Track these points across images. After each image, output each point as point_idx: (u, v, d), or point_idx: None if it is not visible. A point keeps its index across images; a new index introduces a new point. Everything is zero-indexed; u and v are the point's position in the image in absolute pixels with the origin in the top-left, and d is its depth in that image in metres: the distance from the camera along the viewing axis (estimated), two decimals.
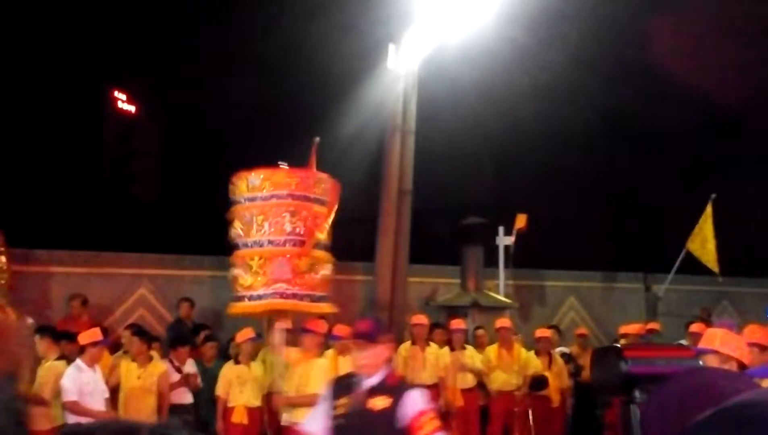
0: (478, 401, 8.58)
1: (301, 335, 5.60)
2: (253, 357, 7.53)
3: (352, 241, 11.53)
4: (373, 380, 3.53)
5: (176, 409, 7.22)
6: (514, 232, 11.38)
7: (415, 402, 3.42)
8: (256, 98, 14.72)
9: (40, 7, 14.05)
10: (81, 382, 6.34)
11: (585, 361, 9.20)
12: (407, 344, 8.46)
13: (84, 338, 6.53)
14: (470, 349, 8.66)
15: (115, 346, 7.77)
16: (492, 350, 8.66)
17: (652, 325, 9.71)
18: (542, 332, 9.17)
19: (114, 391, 6.95)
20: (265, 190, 5.12)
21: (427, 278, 12.32)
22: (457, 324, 8.79)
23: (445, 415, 8.41)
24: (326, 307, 5.11)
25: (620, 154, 15.29)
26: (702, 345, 3.43)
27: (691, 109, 13.35)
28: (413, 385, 3.67)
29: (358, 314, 11.47)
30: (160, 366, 7.27)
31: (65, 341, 6.99)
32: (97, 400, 6.40)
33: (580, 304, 13.42)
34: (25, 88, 14.40)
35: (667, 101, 13.27)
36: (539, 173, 14.95)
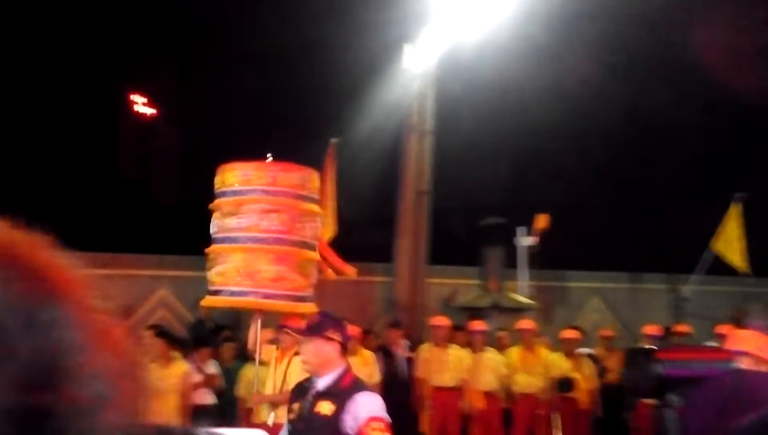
0: (500, 404, 8.46)
1: (281, 333, 5.49)
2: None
3: (370, 242, 11.49)
4: (324, 382, 3.29)
5: (198, 409, 7.20)
6: (536, 232, 11.26)
7: (364, 407, 3.12)
8: (272, 99, 14.72)
9: (57, 10, 14.15)
10: None
11: (610, 362, 9.05)
12: (428, 346, 8.37)
13: None
14: (492, 351, 8.56)
15: None
16: (514, 352, 8.54)
17: (681, 327, 9.48)
18: (568, 333, 9.04)
19: None
20: (246, 184, 5.00)
21: (446, 279, 12.24)
22: (477, 325, 8.69)
23: (467, 418, 8.34)
24: (308, 307, 4.95)
25: (644, 153, 15.07)
26: (734, 347, 3.32)
27: (717, 106, 13.11)
28: (366, 389, 3.32)
29: (377, 315, 11.50)
30: (182, 367, 7.26)
31: None
32: None
33: (605, 305, 13.25)
34: (43, 92, 14.51)
35: (693, 99, 13.04)
36: (559, 173, 14.79)
